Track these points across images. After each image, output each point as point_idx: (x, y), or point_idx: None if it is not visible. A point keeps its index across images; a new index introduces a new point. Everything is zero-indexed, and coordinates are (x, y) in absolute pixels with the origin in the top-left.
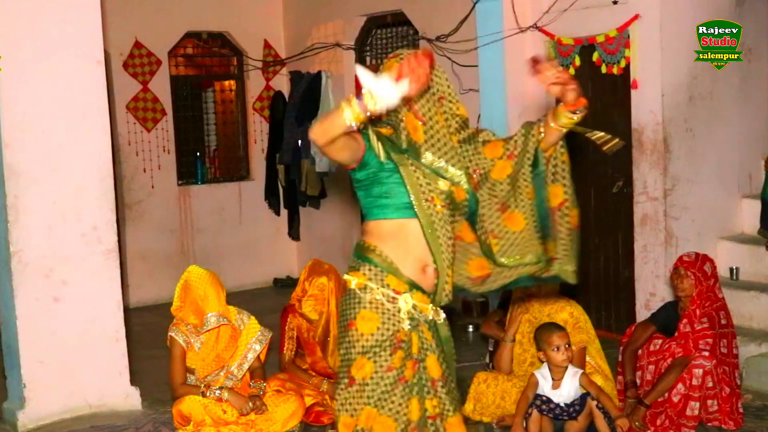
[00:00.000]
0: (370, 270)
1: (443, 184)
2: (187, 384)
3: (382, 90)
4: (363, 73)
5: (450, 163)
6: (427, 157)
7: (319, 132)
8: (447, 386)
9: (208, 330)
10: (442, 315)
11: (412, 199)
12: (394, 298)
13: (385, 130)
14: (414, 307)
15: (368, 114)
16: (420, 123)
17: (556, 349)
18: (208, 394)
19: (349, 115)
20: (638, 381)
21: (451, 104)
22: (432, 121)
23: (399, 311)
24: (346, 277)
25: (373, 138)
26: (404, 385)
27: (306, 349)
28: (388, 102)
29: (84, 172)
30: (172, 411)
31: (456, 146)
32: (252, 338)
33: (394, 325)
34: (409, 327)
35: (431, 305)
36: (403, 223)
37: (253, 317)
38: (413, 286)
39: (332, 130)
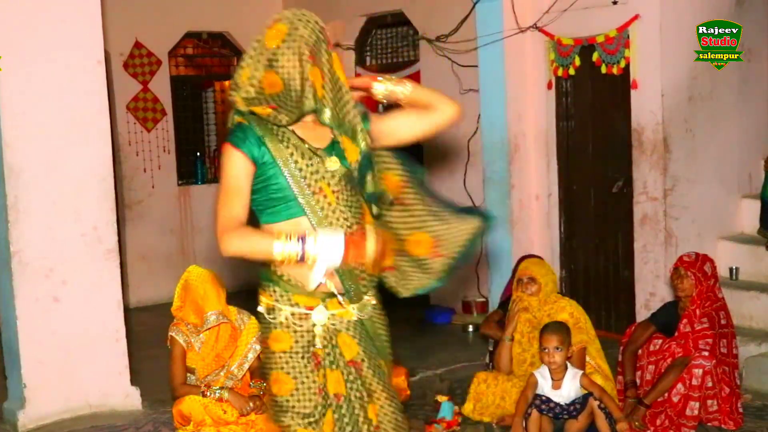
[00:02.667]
0: (275, 292)
1: (332, 164)
2: (188, 384)
3: (327, 255)
4: (323, 242)
5: (349, 119)
6: (326, 114)
7: (233, 249)
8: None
9: (209, 328)
10: (368, 310)
11: (296, 193)
12: (305, 314)
13: (262, 110)
14: (332, 316)
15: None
16: (321, 78)
17: (544, 349)
18: (208, 394)
19: (280, 253)
20: (638, 381)
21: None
22: (329, 74)
23: (314, 326)
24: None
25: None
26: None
27: None
28: (328, 265)
29: (84, 172)
30: (172, 411)
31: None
32: (252, 338)
33: (308, 342)
34: (321, 346)
35: (352, 306)
36: (297, 222)
37: (253, 317)
38: (326, 296)
39: (250, 255)
